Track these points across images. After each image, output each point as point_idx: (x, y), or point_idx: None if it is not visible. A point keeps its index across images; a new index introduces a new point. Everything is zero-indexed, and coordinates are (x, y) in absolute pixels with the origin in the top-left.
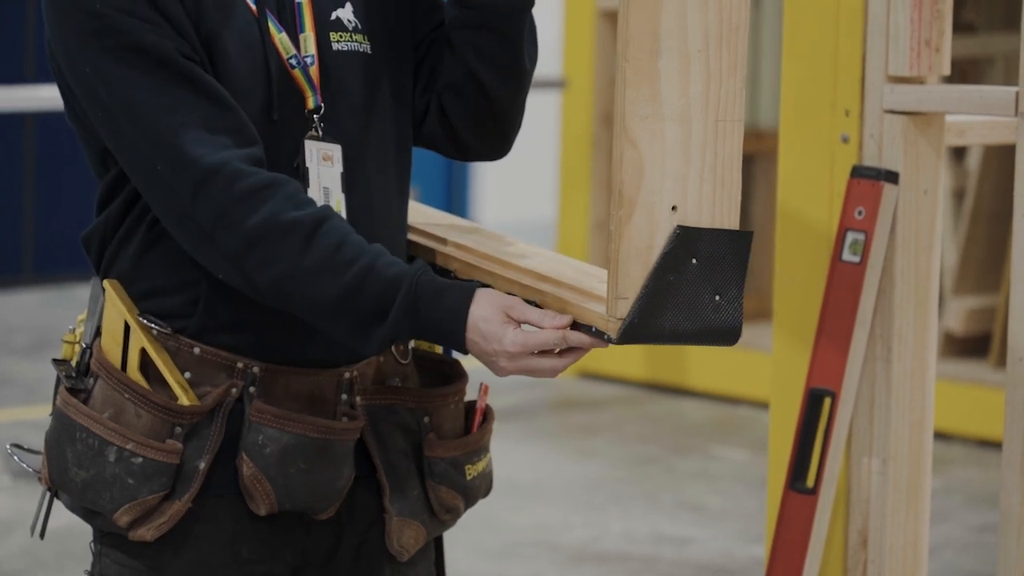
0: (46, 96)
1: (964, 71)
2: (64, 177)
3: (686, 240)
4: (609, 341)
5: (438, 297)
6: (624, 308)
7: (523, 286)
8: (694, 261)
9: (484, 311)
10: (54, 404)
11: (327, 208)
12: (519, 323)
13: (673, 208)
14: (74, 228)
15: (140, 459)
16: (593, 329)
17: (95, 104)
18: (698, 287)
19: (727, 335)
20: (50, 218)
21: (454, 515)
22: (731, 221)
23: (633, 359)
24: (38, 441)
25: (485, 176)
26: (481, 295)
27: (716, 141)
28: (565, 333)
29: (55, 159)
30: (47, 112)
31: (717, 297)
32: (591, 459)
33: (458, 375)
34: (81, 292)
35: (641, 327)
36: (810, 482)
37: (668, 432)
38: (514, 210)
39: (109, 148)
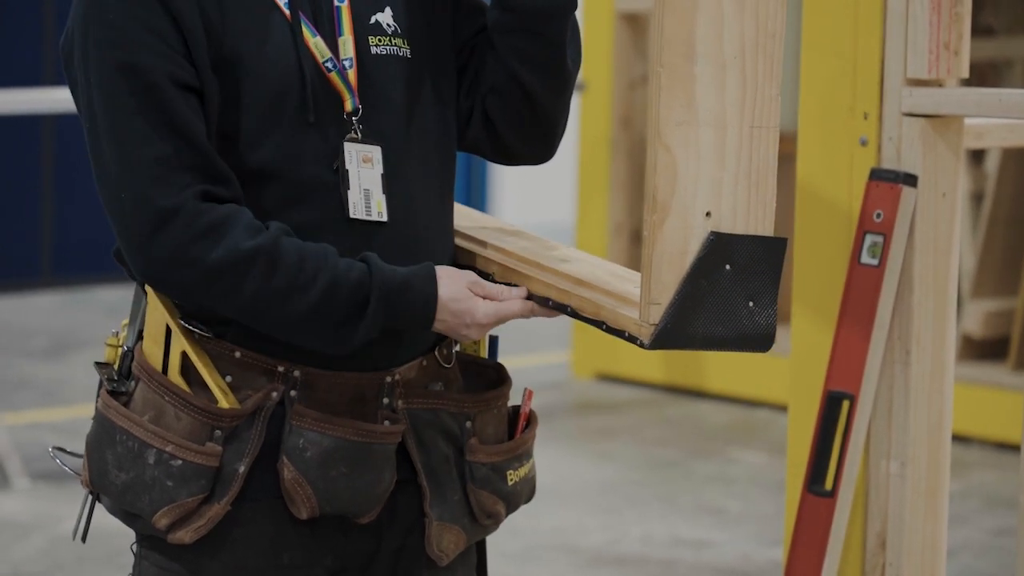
0: (64, 98)
1: (983, 74)
2: (82, 180)
3: (720, 246)
4: (642, 346)
5: (404, 291)
6: (657, 314)
7: (559, 290)
8: (728, 267)
9: (451, 291)
10: (96, 407)
11: (277, 226)
12: (483, 297)
13: (707, 214)
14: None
15: (179, 462)
16: (626, 334)
17: (87, 109)
18: (732, 293)
19: (760, 341)
20: (68, 221)
21: (495, 520)
22: (765, 227)
23: (651, 362)
24: (57, 442)
25: (504, 179)
26: (442, 276)
27: (751, 147)
28: (532, 307)
29: (73, 162)
30: (65, 115)
31: (751, 303)
32: (609, 462)
33: (502, 380)
34: (99, 295)
35: (674, 332)
36: (828, 485)
37: (686, 435)
38: (533, 213)
39: (88, 154)
